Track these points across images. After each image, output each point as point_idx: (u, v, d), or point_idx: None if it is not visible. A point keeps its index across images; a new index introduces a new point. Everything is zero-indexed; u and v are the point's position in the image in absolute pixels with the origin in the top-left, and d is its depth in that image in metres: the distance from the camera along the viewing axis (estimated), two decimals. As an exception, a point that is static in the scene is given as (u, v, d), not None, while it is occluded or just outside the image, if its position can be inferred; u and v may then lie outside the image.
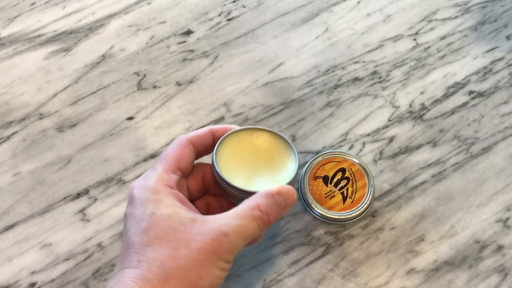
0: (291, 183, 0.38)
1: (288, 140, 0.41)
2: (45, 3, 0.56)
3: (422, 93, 0.52)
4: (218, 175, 0.37)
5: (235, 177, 0.38)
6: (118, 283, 0.31)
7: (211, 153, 0.39)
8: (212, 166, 0.39)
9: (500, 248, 0.45)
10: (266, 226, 0.35)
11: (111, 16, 0.56)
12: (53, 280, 0.44)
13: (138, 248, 0.32)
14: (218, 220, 0.33)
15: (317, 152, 0.49)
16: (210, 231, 0.32)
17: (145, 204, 0.34)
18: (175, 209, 0.34)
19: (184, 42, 0.55)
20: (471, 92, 0.52)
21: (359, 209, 0.45)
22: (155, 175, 0.36)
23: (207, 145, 0.40)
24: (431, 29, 0.56)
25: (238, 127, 0.40)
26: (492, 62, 0.54)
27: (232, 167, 0.39)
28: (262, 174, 0.39)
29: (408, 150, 0.49)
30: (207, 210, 0.41)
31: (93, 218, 0.46)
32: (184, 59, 0.54)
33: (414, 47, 0.55)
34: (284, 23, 0.56)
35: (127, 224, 0.34)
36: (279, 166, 0.40)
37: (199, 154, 0.40)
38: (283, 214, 0.36)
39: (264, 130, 0.41)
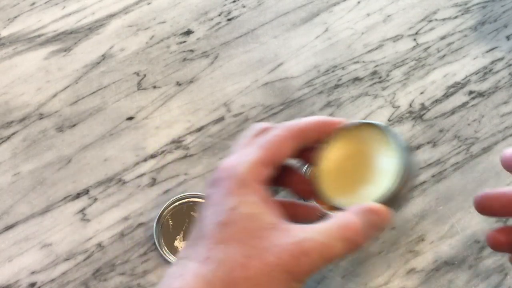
0: (395, 196, 0.32)
1: (400, 141, 0.33)
2: (45, 3, 0.56)
3: (422, 93, 0.52)
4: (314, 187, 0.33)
5: (332, 187, 0.33)
6: (181, 277, 0.28)
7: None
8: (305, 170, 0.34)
9: (500, 248, 0.45)
10: (354, 249, 0.30)
11: (111, 16, 0.56)
12: (53, 280, 0.44)
13: (210, 243, 0.29)
14: (300, 233, 0.29)
15: (317, 152, 0.49)
16: (290, 246, 0.28)
17: (228, 195, 0.30)
18: (258, 210, 0.30)
19: (184, 42, 0.55)
20: (471, 92, 0.52)
21: (359, 209, 0.45)
22: (247, 164, 0.31)
23: (311, 142, 0.34)
24: (431, 29, 0.56)
25: (345, 123, 0.34)
26: (492, 62, 0.54)
27: (331, 176, 0.34)
28: (365, 182, 0.33)
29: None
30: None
31: (93, 218, 0.46)
32: (184, 59, 0.54)
33: (414, 47, 0.55)
34: (284, 23, 0.56)
35: (206, 209, 0.31)
36: (385, 174, 0.33)
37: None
38: (376, 235, 0.31)
39: (376, 126, 0.34)
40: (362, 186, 0.33)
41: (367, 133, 0.34)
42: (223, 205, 0.30)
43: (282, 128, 0.33)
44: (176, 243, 0.45)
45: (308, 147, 0.34)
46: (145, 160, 0.49)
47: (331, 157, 0.34)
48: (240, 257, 0.28)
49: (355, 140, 0.34)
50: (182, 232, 0.46)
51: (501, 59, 0.54)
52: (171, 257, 0.44)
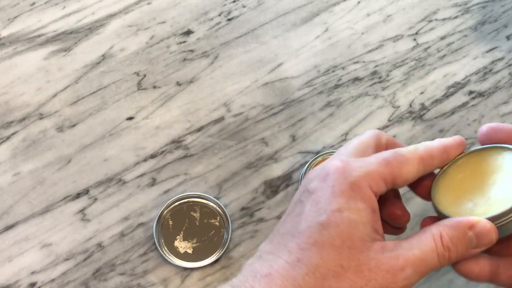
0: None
1: None
2: (45, 3, 0.56)
3: (422, 93, 0.52)
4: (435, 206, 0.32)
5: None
6: (269, 275, 0.27)
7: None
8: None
9: (500, 248, 0.45)
10: (445, 263, 0.29)
11: (111, 16, 0.56)
12: (53, 280, 0.44)
13: (303, 242, 0.27)
14: (397, 249, 0.28)
15: (317, 152, 0.49)
16: (387, 261, 0.27)
17: (335, 194, 0.28)
18: (363, 218, 0.28)
19: (184, 42, 0.55)
20: (471, 92, 0.52)
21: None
22: (367, 170, 0.29)
23: (434, 168, 0.32)
24: (431, 29, 0.56)
25: (475, 148, 0.33)
26: (492, 62, 0.54)
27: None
28: (483, 204, 0.31)
29: (408, 150, 0.49)
30: None
31: (93, 218, 0.46)
32: (184, 59, 0.54)
33: (414, 47, 0.55)
34: (284, 23, 0.56)
35: (307, 202, 0.29)
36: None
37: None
38: (472, 254, 0.29)
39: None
40: (478, 206, 0.31)
41: (493, 156, 0.33)
42: (328, 204, 0.28)
43: (411, 151, 0.31)
44: (176, 243, 0.45)
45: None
46: (145, 160, 0.49)
47: (452, 176, 0.33)
48: (334, 265, 0.27)
49: (481, 162, 0.33)
50: (182, 232, 0.46)
51: (501, 59, 0.54)
52: (171, 257, 0.44)
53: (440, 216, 0.32)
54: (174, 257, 0.44)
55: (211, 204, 0.47)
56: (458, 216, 0.30)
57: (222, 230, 0.46)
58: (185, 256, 0.45)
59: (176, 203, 0.46)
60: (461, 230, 0.28)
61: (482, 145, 0.33)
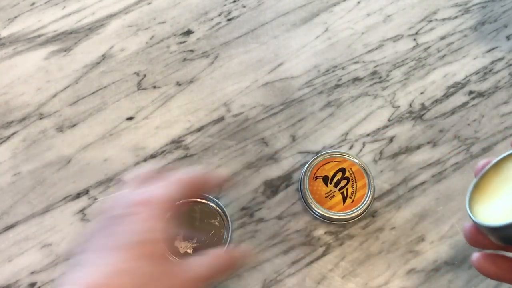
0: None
1: None
2: (45, 3, 0.56)
3: (422, 93, 0.52)
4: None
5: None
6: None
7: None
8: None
9: (500, 248, 0.45)
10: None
11: (111, 16, 0.56)
12: (53, 280, 0.44)
13: (125, 256, 0.32)
14: (188, 262, 0.35)
15: (317, 152, 0.49)
16: (181, 274, 0.34)
17: (146, 220, 0.34)
18: (164, 238, 0.34)
19: (184, 42, 0.55)
20: (471, 92, 0.52)
21: (359, 209, 0.45)
22: (162, 198, 0.36)
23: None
24: (431, 29, 0.56)
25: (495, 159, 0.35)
26: (492, 62, 0.54)
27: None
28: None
29: (408, 150, 0.49)
30: None
31: (93, 218, 0.46)
32: (184, 59, 0.54)
33: (414, 47, 0.55)
34: (284, 23, 0.56)
35: (121, 224, 0.34)
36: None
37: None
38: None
39: None
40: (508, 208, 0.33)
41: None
42: (138, 228, 0.34)
43: (183, 174, 0.38)
44: (176, 243, 0.45)
45: None
46: (145, 160, 0.49)
47: (491, 176, 0.35)
48: (148, 274, 0.32)
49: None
50: (182, 232, 0.46)
51: (501, 59, 0.54)
52: (171, 257, 0.44)
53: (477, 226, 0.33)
54: (174, 257, 0.44)
55: (211, 204, 0.47)
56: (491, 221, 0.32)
57: (222, 230, 0.46)
58: (185, 256, 0.45)
59: (176, 203, 0.46)
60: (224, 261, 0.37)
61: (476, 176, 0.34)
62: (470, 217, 0.33)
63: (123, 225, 0.34)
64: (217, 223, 0.46)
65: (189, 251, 0.45)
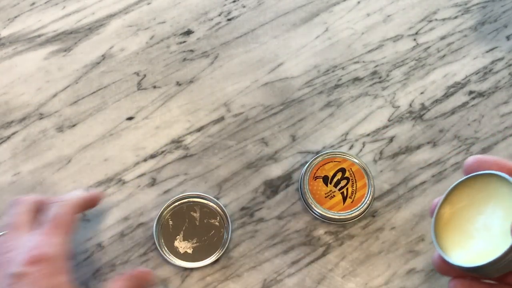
0: None
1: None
2: (45, 3, 0.56)
3: (422, 93, 0.52)
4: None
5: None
6: None
7: None
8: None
9: (500, 248, 0.45)
10: None
11: (111, 16, 0.56)
12: (53, 280, 0.44)
13: None
14: None
15: (317, 152, 0.49)
16: None
17: (48, 278, 0.35)
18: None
19: (184, 42, 0.55)
20: (471, 92, 0.52)
21: (359, 209, 0.45)
22: (56, 247, 0.37)
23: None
24: (431, 29, 0.56)
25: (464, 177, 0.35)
26: (492, 62, 0.54)
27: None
28: (479, 238, 0.33)
29: (408, 150, 0.49)
30: None
31: (93, 218, 0.46)
32: (184, 59, 0.54)
33: (414, 47, 0.55)
34: (284, 23, 0.56)
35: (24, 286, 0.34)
36: None
37: None
38: None
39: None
40: (475, 242, 0.33)
41: (485, 183, 0.34)
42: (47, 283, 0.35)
43: (62, 205, 0.39)
44: (176, 243, 0.45)
45: None
46: (145, 160, 0.49)
47: (447, 210, 0.35)
48: None
49: (473, 192, 0.34)
50: (182, 232, 0.46)
51: (501, 59, 0.54)
52: (171, 257, 0.44)
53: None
54: (174, 257, 0.44)
55: (211, 204, 0.47)
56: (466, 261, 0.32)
57: (222, 230, 0.46)
58: (185, 256, 0.45)
59: (176, 203, 0.46)
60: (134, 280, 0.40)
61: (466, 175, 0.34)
62: (442, 256, 0.33)
63: (27, 285, 0.34)
64: (217, 223, 0.46)
65: (189, 251, 0.45)
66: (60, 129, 0.50)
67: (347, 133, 0.50)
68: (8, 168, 0.48)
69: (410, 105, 0.52)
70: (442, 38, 0.55)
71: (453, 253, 0.33)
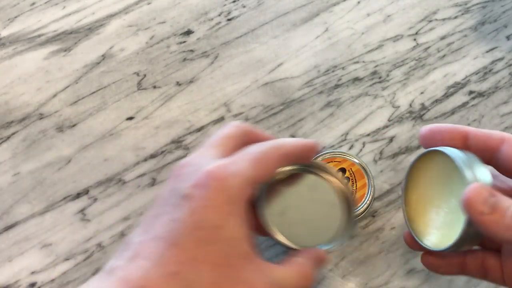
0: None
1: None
2: (45, 3, 0.56)
3: (422, 93, 0.52)
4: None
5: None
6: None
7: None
8: None
9: (500, 248, 0.45)
10: None
11: (111, 16, 0.56)
12: (53, 280, 0.44)
13: (182, 255, 0.26)
14: (269, 274, 0.28)
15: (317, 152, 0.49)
16: (260, 286, 0.27)
17: (213, 209, 0.27)
18: (239, 234, 0.28)
19: (184, 42, 0.55)
20: (471, 92, 0.52)
21: (359, 209, 0.45)
22: (240, 179, 0.29)
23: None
24: (431, 29, 0.56)
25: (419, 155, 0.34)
26: (492, 62, 0.54)
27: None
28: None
29: (408, 150, 0.49)
30: None
31: (93, 218, 0.46)
32: (184, 59, 0.54)
33: (414, 47, 0.55)
34: (284, 23, 0.56)
35: (183, 208, 0.27)
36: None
37: None
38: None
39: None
40: (442, 223, 0.34)
41: (435, 162, 0.34)
42: (207, 220, 0.27)
43: (273, 147, 0.31)
44: None
45: None
46: (145, 160, 0.49)
47: (413, 194, 0.36)
48: (209, 284, 0.26)
49: (427, 173, 0.35)
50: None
51: (501, 59, 0.54)
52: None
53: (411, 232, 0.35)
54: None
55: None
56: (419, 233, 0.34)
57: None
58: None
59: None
60: (316, 263, 0.32)
61: (426, 147, 0.34)
62: (417, 240, 0.34)
63: (188, 212, 0.27)
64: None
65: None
66: (60, 129, 0.50)
67: (347, 133, 0.50)
68: (8, 168, 0.48)
69: (410, 105, 0.52)
70: (442, 38, 0.55)
71: (426, 236, 0.34)
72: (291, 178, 0.35)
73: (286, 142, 0.32)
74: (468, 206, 0.28)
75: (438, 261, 0.34)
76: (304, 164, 0.35)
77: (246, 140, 0.33)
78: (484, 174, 0.30)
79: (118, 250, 0.29)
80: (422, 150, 0.34)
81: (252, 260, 0.28)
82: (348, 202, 0.35)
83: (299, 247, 0.33)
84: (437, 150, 0.33)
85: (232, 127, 0.33)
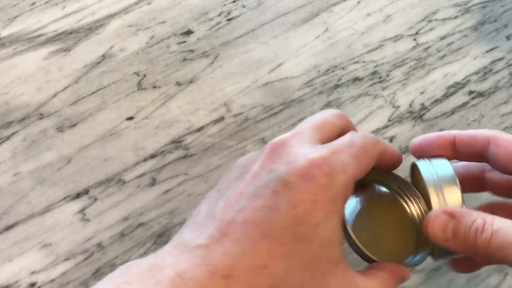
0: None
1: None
2: (45, 3, 0.56)
3: (422, 93, 0.52)
4: None
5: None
6: (230, 278, 0.23)
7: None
8: None
9: (500, 248, 0.45)
10: None
11: (111, 16, 0.56)
12: (53, 280, 0.44)
13: (276, 247, 0.24)
14: (357, 282, 0.27)
15: (317, 152, 0.49)
16: None
17: (317, 206, 0.25)
18: (334, 237, 0.26)
19: (184, 42, 0.55)
20: (471, 92, 0.52)
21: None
22: (345, 177, 0.26)
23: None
24: (431, 29, 0.56)
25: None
26: (492, 62, 0.54)
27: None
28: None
29: (408, 150, 0.49)
30: None
31: (93, 218, 0.46)
32: (184, 59, 0.54)
33: (414, 47, 0.55)
34: (284, 23, 0.56)
35: (283, 198, 0.25)
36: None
37: None
38: None
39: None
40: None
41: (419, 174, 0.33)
42: (309, 216, 0.25)
43: (372, 141, 0.29)
44: None
45: None
46: (145, 160, 0.49)
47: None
48: (296, 284, 0.25)
49: (419, 186, 0.34)
50: None
51: (501, 59, 0.54)
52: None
53: None
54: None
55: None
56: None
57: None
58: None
59: None
60: (397, 279, 0.29)
61: (416, 157, 0.34)
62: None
63: (289, 203, 0.25)
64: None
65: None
66: (60, 129, 0.50)
67: (347, 133, 0.50)
68: (8, 168, 0.48)
69: (410, 105, 0.52)
70: (442, 38, 0.55)
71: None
72: (371, 185, 0.34)
73: (381, 140, 0.30)
74: (430, 236, 0.28)
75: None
76: (386, 174, 0.34)
77: (344, 131, 0.30)
78: (452, 193, 0.29)
79: (196, 220, 0.26)
80: None
81: (340, 266, 0.27)
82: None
83: (379, 260, 0.31)
84: (415, 164, 0.33)
85: (335, 114, 0.31)
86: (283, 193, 0.25)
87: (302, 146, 0.27)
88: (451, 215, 0.28)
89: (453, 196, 0.29)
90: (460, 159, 0.33)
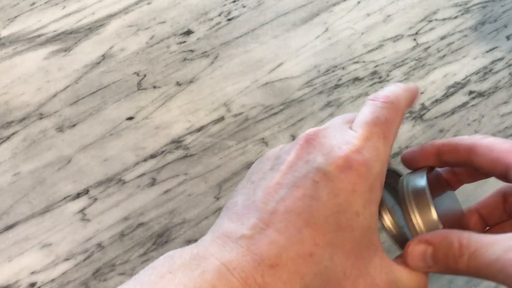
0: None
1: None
2: (45, 3, 0.56)
3: (422, 93, 0.52)
4: None
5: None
6: (276, 267, 0.24)
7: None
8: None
9: (500, 248, 0.45)
10: None
11: (111, 16, 0.56)
12: (53, 280, 0.44)
13: (319, 237, 0.24)
14: (392, 273, 0.27)
15: (317, 152, 0.49)
16: (383, 284, 0.26)
17: (357, 194, 0.26)
18: (373, 224, 0.27)
19: (184, 42, 0.55)
20: (471, 92, 0.52)
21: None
22: (380, 165, 0.27)
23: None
24: (431, 29, 0.56)
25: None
26: (492, 62, 0.54)
27: None
28: None
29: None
30: None
31: (93, 218, 0.46)
32: (184, 59, 0.54)
33: (414, 47, 0.55)
34: (284, 23, 0.56)
35: (325, 188, 0.25)
36: None
37: None
38: None
39: None
40: None
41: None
42: (348, 203, 0.25)
43: (395, 108, 0.29)
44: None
45: None
46: (145, 160, 0.49)
47: None
48: (340, 271, 0.25)
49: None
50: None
51: (501, 59, 0.54)
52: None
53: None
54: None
55: None
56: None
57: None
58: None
59: None
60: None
61: (408, 169, 0.34)
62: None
63: (331, 192, 0.25)
64: None
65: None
66: (60, 129, 0.50)
67: (347, 133, 0.50)
68: (8, 168, 0.48)
69: (410, 105, 0.52)
70: (442, 38, 0.55)
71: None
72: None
73: (400, 97, 0.30)
74: (413, 267, 0.28)
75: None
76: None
77: None
78: (427, 216, 0.29)
79: (234, 210, 0.26)
80: None
81: (378, 253, 0.27)
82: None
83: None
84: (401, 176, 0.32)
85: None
86: (323, 183, 0.26)
87: (335, 137, 0.27)
88: (427, 242, 0.28)
89: (427, 219, 0.29)
90: (449, 166, 0.33)
